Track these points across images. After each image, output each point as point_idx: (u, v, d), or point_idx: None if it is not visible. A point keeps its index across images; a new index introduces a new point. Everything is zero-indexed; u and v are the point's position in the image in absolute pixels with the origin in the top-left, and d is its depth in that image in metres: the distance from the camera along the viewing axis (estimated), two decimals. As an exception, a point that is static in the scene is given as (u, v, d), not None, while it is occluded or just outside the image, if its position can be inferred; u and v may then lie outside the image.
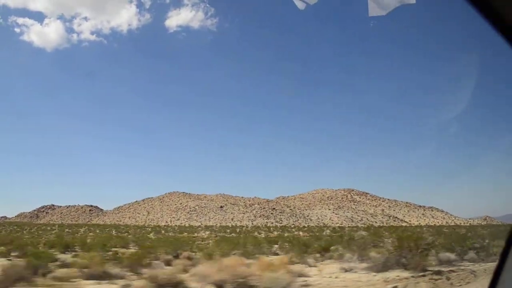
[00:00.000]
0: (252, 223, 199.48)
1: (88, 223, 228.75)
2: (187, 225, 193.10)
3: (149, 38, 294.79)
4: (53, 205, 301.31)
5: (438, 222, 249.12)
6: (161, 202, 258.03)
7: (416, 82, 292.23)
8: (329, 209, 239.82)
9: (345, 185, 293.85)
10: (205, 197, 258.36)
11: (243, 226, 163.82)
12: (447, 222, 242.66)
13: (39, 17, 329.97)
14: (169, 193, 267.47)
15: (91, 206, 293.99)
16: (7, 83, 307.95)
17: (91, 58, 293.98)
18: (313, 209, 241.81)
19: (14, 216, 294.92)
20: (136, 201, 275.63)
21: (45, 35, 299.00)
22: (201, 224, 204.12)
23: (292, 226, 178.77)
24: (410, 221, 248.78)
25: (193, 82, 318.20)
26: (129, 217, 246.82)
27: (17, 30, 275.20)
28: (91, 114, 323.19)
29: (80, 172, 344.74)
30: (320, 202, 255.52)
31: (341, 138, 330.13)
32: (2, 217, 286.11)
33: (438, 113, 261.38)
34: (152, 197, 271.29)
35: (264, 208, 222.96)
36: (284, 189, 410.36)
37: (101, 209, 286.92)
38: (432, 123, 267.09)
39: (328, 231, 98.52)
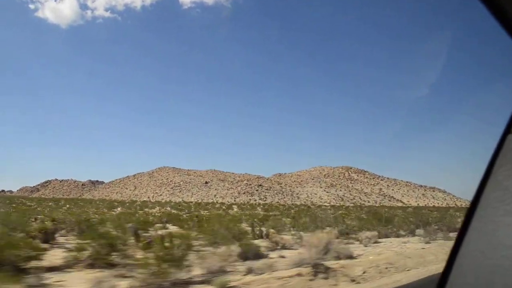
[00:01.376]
0: (235, 200, 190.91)
1: (79, 197, 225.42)
2: (168, 200, 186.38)
3: (163, 14, 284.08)
4: (56, 179, 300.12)
5: (437, 203, 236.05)
6: (150, 177, 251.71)
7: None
8: (321, 187, 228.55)
9: (344, 162, 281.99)
10: (194, 172, 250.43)
11: (218, 203, 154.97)
12: (447, 204, 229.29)
13: None
14: (159, 168, 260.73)
15: (90, 180, 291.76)
16: (22, 59, 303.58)
17: (105, 35, 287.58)
18: (304, 186, 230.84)
19: (16, 190, 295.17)
20: (128, 176, 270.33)
21: (60, 11, 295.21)
22: (182, 200, 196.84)
23: (276, 203, 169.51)
24: (408, 201, 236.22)
25: (203, 56, 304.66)
26: (117, 192, 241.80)
27: (31, 6, 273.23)
28: (100, 92, 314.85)
29: (84, 147, 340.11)
30: (312, 179, 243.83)
31: (339, 113, 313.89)
32: (8, 191, 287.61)
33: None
34: (142, 172, 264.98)
35: (250, 185, 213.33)
36: (283, 166, 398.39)
37: (94, 184, 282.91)
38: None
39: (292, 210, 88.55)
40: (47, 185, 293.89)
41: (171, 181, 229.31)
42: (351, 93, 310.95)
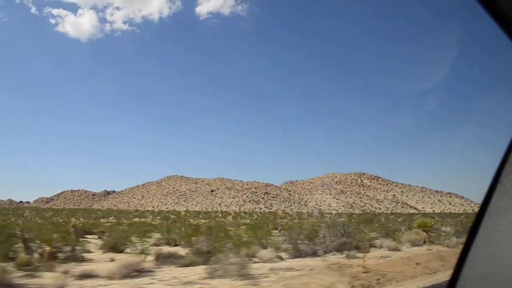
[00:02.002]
0: (239, 209, 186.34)
1: (89, 207, 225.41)
2: (172, 209, 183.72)
3: (180, 26, 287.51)
4: (71, 190, 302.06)
5: (454, 209, 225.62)
6: (158, 186, 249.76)
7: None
8: (330, 194, 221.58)
9: (358, 169, 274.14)
10: (202, 181, 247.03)
11: (219, 212, 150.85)
12: (464, 210, 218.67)
13: (72, 8, 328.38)
14: (167, 177, 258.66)
15: (106, 191, 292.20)
16: (43, 73, 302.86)
17: (124, 47, 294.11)
18: (314, 194, 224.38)
19: (32, 201, 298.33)
20: (137, 185, 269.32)
21: (79, 25, 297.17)
22: (187, 208, 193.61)
23: (281, 211, 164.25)
24: (423, 208, 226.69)
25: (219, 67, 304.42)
26: (125, 202, 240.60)
27: (52, 21, 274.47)
28: (120, 103, 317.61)
29: (97, 157, 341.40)
30: (322, 186, 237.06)
31: (353, 119, 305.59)
32: (25, 202, 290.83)
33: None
34: (151, 182, 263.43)
35: (256, 193, 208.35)
36: (296, 174, 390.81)
37: (106, 194, 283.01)
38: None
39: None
40: (59, 196, 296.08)
41: (177, 190, 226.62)
42: (365, 99, 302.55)
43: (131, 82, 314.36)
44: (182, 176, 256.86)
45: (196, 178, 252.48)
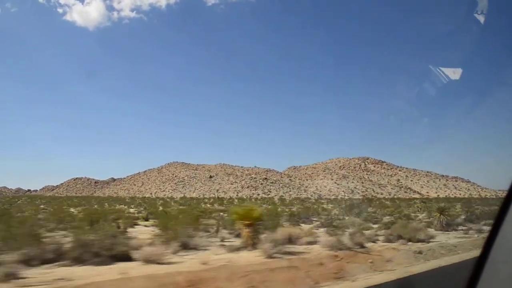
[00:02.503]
0: (237, 195, 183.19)
1: (91, 195, 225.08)
2: (169, 196, 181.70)
3: (188, 13, 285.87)
4: (77, 178, 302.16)
5: (460, 194, 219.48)
6: (158, 173, 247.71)
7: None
8: (332, 179, 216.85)
9: (362, 153, 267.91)
10: (203, 167, 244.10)
11: (207, 198, 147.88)
12: (470, 194, 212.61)
13: None
14: (168, 164, 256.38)
15: (112, 178, 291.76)
16: (51, 62, 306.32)
17: (132, 35, 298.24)
18: (315, 179, 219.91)
19: (39, 189, 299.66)
20: (138, 172, 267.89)
21: (87, 14, 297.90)
22: (184, 195, 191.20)
23: (278, 197, 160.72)
24: (427, 192, 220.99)
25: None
26: (126, 189, 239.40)
27: (59, 10, 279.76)
28: (130, 93, 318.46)
29: (101, 145, 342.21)
30: (324, 171, 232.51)
31: (358, 102, 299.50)
32: (33, 190, 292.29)
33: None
34: (152, 168, 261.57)
35: (255, 179, 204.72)
36: (300, 159, 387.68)
37: (109, 182, 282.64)
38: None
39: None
40: (63, 184, 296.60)
41: (176, 176, 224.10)
42: (371, 83, 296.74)
43: (137, 70, 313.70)
44: (183, 162, 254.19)
45: (197, 165, 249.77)
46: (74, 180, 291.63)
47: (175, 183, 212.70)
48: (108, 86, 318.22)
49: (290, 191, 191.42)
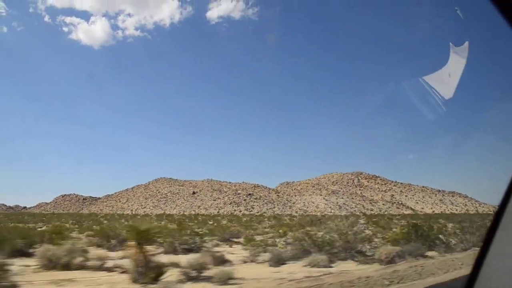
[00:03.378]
0: (218, 211, 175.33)
1: (78, 212, 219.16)
2: (149, 212, 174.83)
3: (191, 31, 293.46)
4: (63, 194, 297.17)
5: (457, 210, 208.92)
6: (145, 189, 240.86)
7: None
8: (321, 195, 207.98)
9: (357, 168, 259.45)
10: (190, 183, 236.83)
11: (192, 215, 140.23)
12: (467, 210, 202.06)
13: (85, 15, 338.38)
14: (155, 180, 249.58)
15: (107, 195, 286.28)
16: (58, 81, 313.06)
17: (136, 53, 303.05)
18: (304, 195, 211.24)
19: (33, 206, 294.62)
20: (126, 189, 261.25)
21: (92, 33, 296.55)
22: (164, 211, 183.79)
23: (260, 214, 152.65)
24: (422, 208, 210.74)
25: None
26: (111, 206, 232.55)
27: (65, 29, 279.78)
28: (130, 109, 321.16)
29: (94, 161, 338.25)
30: (313, 187, 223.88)
31: (352, 117, 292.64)
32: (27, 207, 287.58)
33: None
34: (140, 184, 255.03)
35: (239, 194, 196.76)
36: (292, 175, 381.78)
37: (95, 198, 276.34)
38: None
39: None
40: (53, 201, 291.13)
41: (159, 192, 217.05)
42: (366, 98, 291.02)
43: (139, 86, 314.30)
44: (170, 178, 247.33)
45: (184, 180, 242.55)
46: (63, 197, 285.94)
47: (157, 200, 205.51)
48: (112, 103, 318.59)
49: (274, 207, 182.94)
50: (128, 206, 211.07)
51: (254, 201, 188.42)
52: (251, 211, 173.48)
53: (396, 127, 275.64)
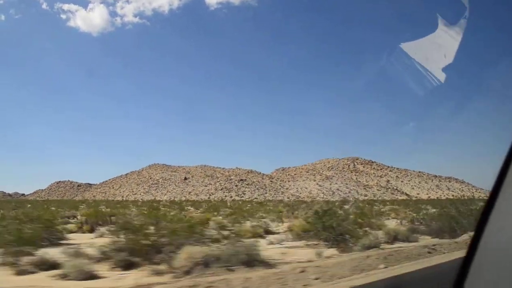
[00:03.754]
0: (209, 197, 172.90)
1: (72, 199, 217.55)
2: (139, 199, 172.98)
3: (191, 17, 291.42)
4: (58, 181, 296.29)
5: (453, 195, 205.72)
6: (138, 175, 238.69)
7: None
8: (314, 181, 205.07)
9: (353, 154, 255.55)
10: (183, 168, 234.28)
11: (183, 201, 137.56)
12: (462, 196, 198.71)
13: (83, 2, 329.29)
14: (149, 166, 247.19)
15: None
16: (55, 69, 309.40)
17: (135, 40, 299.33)
18: (297, 180, 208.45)
19: (30, 193, 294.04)
20: (121, 175, 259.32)
21: (90, 20, 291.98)
22: (155, 198, 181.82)
23: (252, 199, 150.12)
24: (418, 194, 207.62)
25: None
26: (104, 192, 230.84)
27: (63, 16, 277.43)
28: (129, 97, 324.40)
29: (90, 147, 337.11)
30: (307, 172, 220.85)
31: (349, 101, 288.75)
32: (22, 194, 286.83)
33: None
34: (134, 171, 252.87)
35: (230, 180, 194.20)
36: (290, 160, 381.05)
37: (90, 185, 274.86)
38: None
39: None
40: (47, 188, 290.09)
41: (151, 178, 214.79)
42: (362, 84, 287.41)
43: (137, 74, 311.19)
44: (164, 164, 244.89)
45: (177, 166, 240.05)
46: (57, 183, 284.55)
47: (148, 186, 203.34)
48: (110, 91, 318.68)
49: (266, 193, 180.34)
50: (120, 192, 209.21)
51: (246, 187, 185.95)
52: (242, 197, 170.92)
53: (390, 108, 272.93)
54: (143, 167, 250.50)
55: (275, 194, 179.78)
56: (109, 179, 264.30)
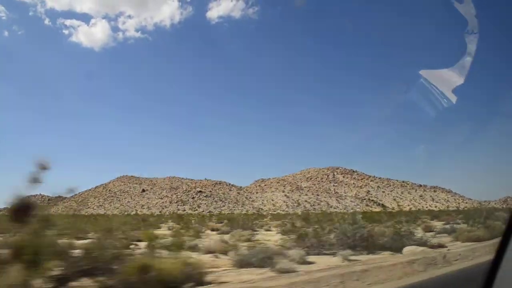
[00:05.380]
0: (160, 211, 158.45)
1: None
2: (92, 213, 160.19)
3: (192, 31, 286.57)
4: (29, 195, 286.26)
5: (437, 206, 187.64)
6: (104, 188, 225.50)
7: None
8: (283, 192, 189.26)
9: (336, 163, 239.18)
10: (151, 180, 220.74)
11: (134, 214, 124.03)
12: (447, 207, 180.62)
13: (85, 18, 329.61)
14: (117, 178, 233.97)
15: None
16: (59, 83, 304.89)
17: (137, 54, 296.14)
18: (266, 192, 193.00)
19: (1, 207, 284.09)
20: (90, 188, 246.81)
21: (92, 35, 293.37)
22: (106, 211, 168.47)
23: (204, 213, 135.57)
24: (399, 205, 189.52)
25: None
26: (67, 207, 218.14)
27: (65, 32, 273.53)
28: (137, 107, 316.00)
29: (78, 157, 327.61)
30: (283, 183, 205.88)
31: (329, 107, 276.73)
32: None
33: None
34: (103, 184, 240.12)
35: (188, 192, 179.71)
36: (272, 171, 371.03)
37: (61, 198, 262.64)
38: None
39: None
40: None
41: (109, 191, 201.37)
42: (348, 94, 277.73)
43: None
44: (133, 176, 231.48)
45: (146, 178, 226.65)
46: (28, 197, 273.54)
47: (104, 199, 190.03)
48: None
49: (224, 206, 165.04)
50: (80, 206, 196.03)
51: (203, 199, 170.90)
52: (196, 210, 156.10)
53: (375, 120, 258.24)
54: (111, 179, 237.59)
55: (234, 206, 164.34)
56: (79, 193, 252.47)
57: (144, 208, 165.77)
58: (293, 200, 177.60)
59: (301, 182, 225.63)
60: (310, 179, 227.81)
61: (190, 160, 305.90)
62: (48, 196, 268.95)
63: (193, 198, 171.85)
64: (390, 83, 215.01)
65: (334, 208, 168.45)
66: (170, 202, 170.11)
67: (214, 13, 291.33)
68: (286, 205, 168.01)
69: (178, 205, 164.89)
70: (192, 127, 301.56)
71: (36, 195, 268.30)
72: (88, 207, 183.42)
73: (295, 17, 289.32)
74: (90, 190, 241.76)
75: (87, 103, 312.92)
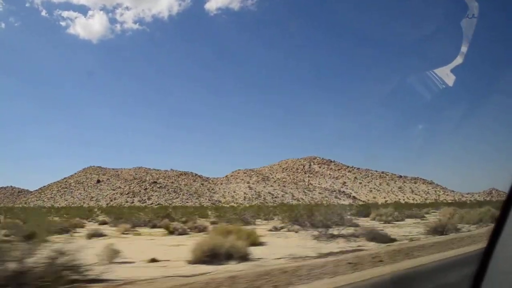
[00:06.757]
0: (109, 203, 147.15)
1: (9, 206, 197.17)
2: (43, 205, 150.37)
3: (190, 23, 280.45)
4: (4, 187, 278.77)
5: (415, 198, 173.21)
6: (68, 179, 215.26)
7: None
8: (248, 183, 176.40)
9: (313, 152, 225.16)
10: (116, 171, 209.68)
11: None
12: (425, 199, 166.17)
13: (83, 9, 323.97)
14: (83, 169, 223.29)
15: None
16: (57, 76, 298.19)
17: (136, 46, 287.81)
18: (230, 183, 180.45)
19: None
20: (57, 180, 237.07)
21: (90, 27, 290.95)
22: (53, 204, 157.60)
23: (154, 205, 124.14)
24: (374, 197, 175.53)
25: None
26: (34, 199, 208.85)
27: (62, 23, 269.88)
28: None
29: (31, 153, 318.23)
30: (244, 174, 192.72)
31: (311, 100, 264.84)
32: None
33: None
34: (71, 175, 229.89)
35: (142, 183, 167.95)
36: (254, 161, 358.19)
37: (29, 191, 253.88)
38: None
39: None
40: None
41: (66, 182, 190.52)
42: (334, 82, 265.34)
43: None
44: (100, 167, 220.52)
45: (111, 169, 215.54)
46: (5, 189, 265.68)
47: (58, 190, 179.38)
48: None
49: (178, 197, 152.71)
50: (40, 197, 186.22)
51: (156, 191, 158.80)
52: (145, 202, 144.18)
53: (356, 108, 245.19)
54: (78, 170, 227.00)
55: (189, 198, 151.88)
56: (47, 185, 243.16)
57: (92, 201, 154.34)
58: (255, 192, 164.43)
59: (276, 173, 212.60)
60: (286, 169, 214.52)
61: (171, 150, 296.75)
62: (18, 188, 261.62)
63: (145, 189, 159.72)
64: (378, 70, 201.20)
65: (299, 200, 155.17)
66: (121, 194, 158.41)
67: (213, 4, 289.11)
68: (245, 197, 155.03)
69: (127, 197, 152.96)
70: (182, 116, 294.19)
71: (6, 187, 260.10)
72: (38, 199, 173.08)
73: (294, 9, 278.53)
74: (58, 181, 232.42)
75: (84, 94, 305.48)
